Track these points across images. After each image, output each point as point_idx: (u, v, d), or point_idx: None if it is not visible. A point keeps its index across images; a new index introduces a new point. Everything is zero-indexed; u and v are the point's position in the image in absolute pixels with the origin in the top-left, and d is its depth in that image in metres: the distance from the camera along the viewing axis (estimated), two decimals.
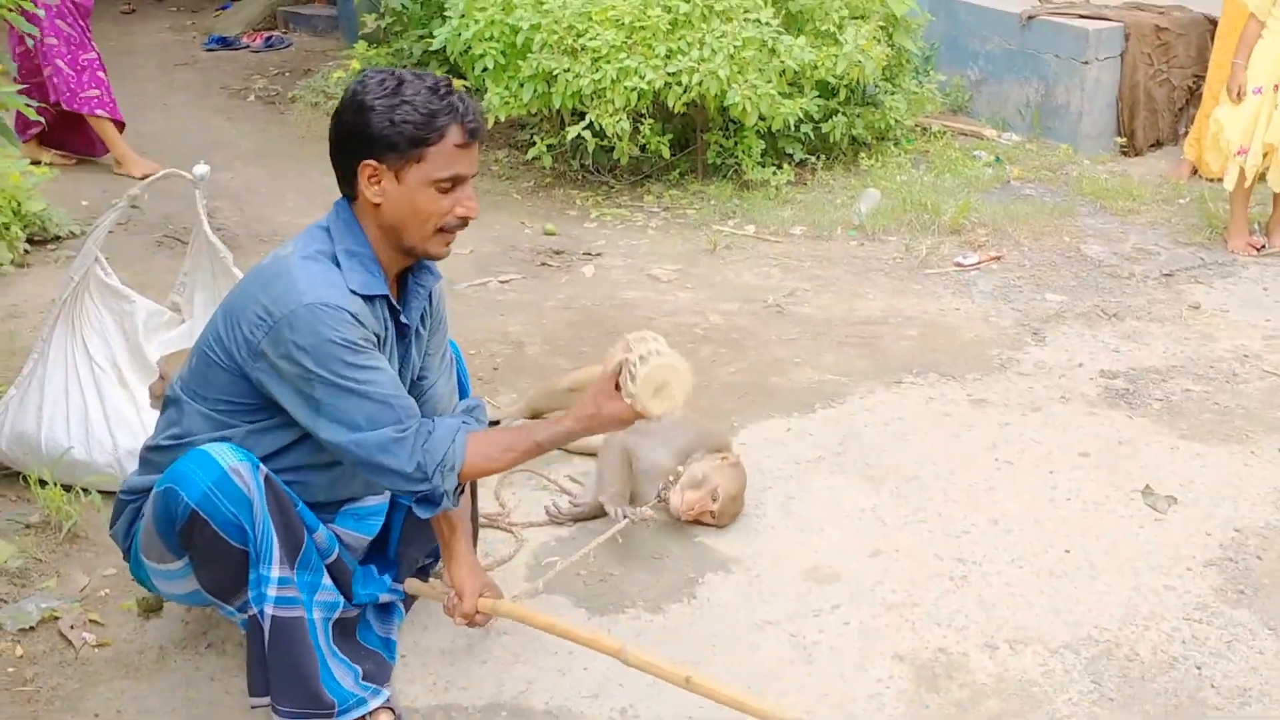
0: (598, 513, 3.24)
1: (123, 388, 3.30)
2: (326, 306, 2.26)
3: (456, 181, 2.34)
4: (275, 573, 2.35)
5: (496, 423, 3.46)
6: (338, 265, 2.34)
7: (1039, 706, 2.63)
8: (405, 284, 2.50)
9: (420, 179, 2.33)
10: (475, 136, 2.34)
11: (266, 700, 2.40)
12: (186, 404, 2.43)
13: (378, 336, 2.38)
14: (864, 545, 3.19)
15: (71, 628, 2.78)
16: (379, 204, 2.35)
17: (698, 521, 3.21)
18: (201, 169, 3.36)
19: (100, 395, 3.25)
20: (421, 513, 2.43)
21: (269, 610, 2.36)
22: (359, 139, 2.31)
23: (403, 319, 2.47)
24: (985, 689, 2.68)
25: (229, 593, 2.41)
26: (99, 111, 6.23)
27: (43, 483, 3.15)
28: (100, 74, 6.25)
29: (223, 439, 2.37)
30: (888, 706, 2.62)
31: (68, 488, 3.19)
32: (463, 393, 2.79)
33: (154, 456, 2.48)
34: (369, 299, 2.36)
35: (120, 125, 6.40)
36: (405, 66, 7.53)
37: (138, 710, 2.56)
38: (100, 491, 3.21)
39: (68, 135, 6.42)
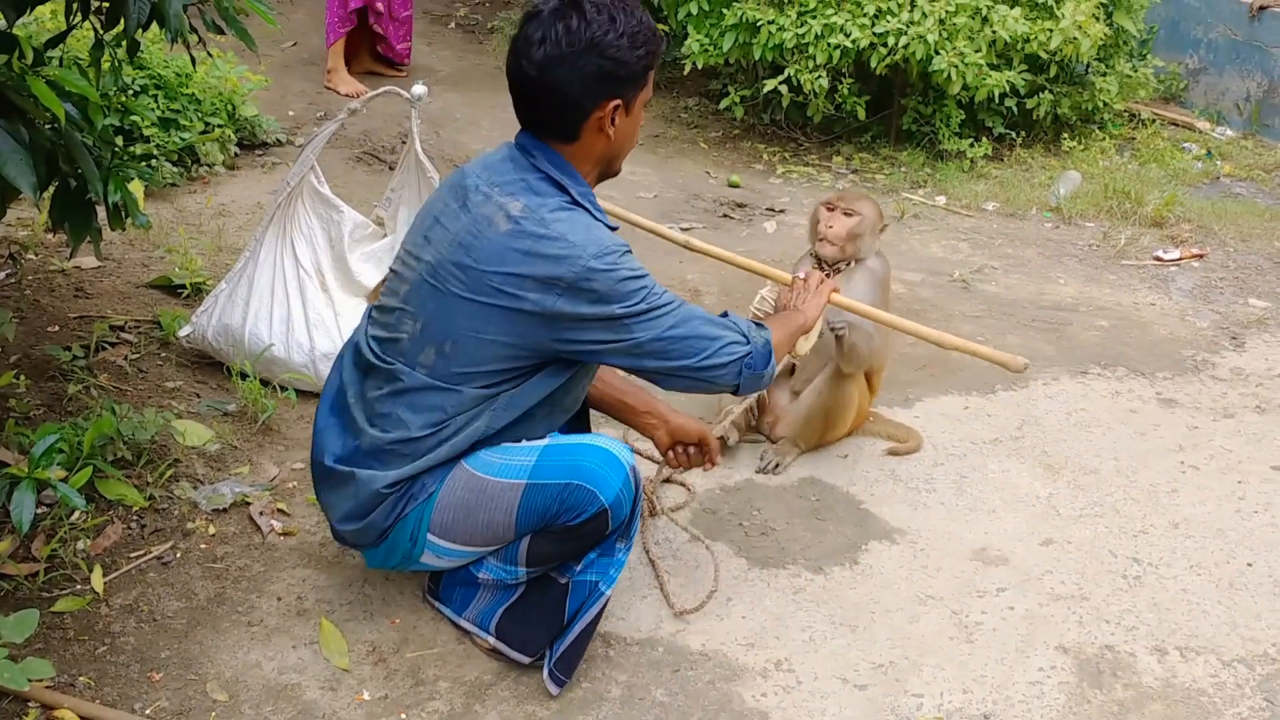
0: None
1: (324, 292, 3.43)
2: (610, 252, 2.26)
3: None
4: (622, 556, 2.48)
5: None
6: (578, 208, 2.32)
7: (1206, 717, 2.55)
8: None
9: (641, 104, 2.37)
10: None
11: (530, 658, 2.51)
12: (449, 392, 2.33)
13: None
14: (1036, 533, 3.12)
15: (261, 514, 2.92)
16: (610, 139, 2.34)
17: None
18: (420, 89, 3.45)
19: (303, 298, 3.38)
20: (748, 389, 2.49)
21: (607, 593, 2.46)
22: (606, 80, 2.27)
23: None
24: (1151, 692, 2.60)
25: (549, 561, 2.47)
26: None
27: (243, 375, 3.30)
28: None
29: (480, 412, 2.36)
30: (1047, 695, 2.57)
31: (264, 382, 3.34)
32: None
33: (405, 449, 2.37)
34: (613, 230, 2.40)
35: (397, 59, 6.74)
36: None
37: (317, 599, 2.68)
38: (296, 390, 3.36)
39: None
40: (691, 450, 2.73)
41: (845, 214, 3.31)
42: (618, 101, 2.30)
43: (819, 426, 3.36)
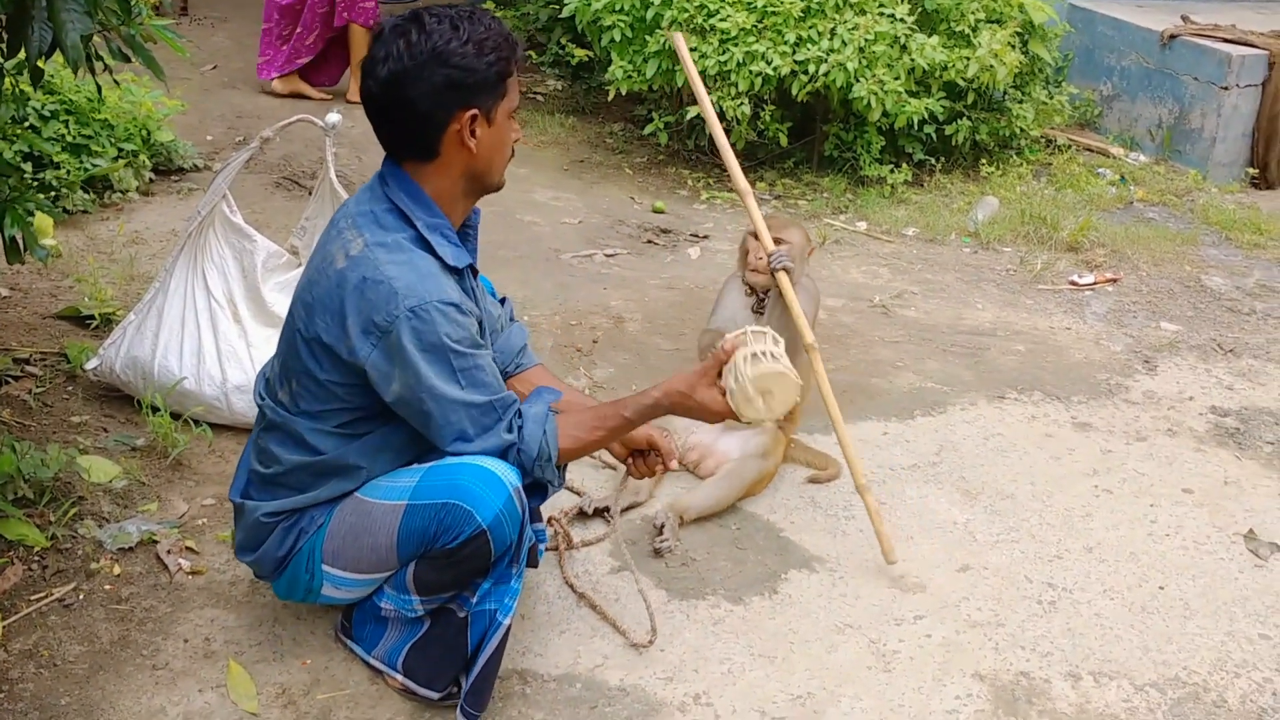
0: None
1: (236, 323, 3.37)
2: (430, 307, 2.20)
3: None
4: (516, 583, 2.42)
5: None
6: (423, 246, 2.28)
7: None
8: (462, 236, 2.44)
9: (505, 113, 2.32)
10: None
11: (439, 694, 2.46)
12: (308, 429, 2.35)
13: (478, 320, 2.37)
14: (953, 559, 3.14)
15: (168, 552, 2.85)
16: (474, 153, 2.29)
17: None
18: (334, 117, 3.41)
19: (214, 329, 3.32)
20: (533, 501, 2.43)
21: (506, 621, 2.40)
22: (456, 89, 2.22)
23: (479, 278, 2.48)
24: (1065, 718, 2.63)
25: (439, 590, 2.41)
26: (372, 22, 6.55)
27: (154, 409, 3.23)
28: None
29: (362, 446, 2.36)
30: None
31: (176, 415, 3.26)
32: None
33: (283, 480, 2.40)
34: (459, 273, 2.34)
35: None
36: (530, 31, 7.60)
37: (225, 640, 2.62)
38: (209, 424, 3.29)
39: (321, 69, 6.80)
40: (651, 458, 2.62)
41: (775, 243, 3.32)
42: (473, 111, 2.26)
43: (724, 506, 3.27)
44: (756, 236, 3.35)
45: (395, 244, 2.25)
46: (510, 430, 2.33)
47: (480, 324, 2.40)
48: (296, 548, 2.41)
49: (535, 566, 2.65)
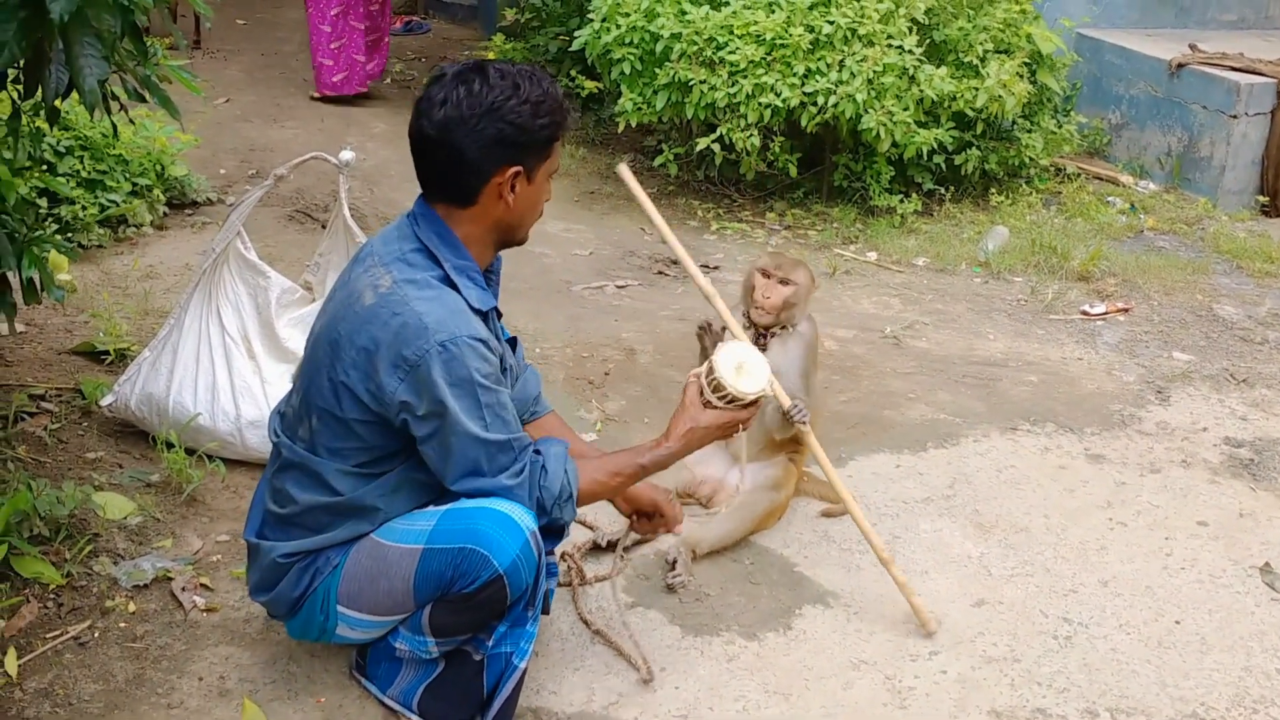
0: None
1: (250, 359, 3.38)
2: (460, 341, 2.22)
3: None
4: (532, 627, 2.44)
5: None
6: (449, 285, 2.30)
7: None
8: (486, 281, 2.46)
9: (545, 174, 2.36)
10: None
11: None
12: (326, 467, 2.35)
13: (502, 360, 2.39)
14: (968, 593, 3.13)
15: (183, 590, 2.85)
16: (510, 207, 2.32)
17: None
18: (347, 154, 3.43)
19: (229, 365, 3.33)
20: (547, 544, 2.43)
21: (522, 665, 2.43)
22: (506, 146, 2.26)
23: (501, 322, 2.51)
24: None
25: (455, 633, 2.42)
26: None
27: (169, 445, 3.24)
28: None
29: (379, 486, 2.37)
30: None
31: (190, 451, 3.27)
32: None
33: (299, 521, 2.40)
34: (484, 315, 2.36)
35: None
36: (541, 63, 7.65)
37: (240, 678, 2.61)
38: (223, 459, 3.30)
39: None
40: (654, 518, 2.68)
41: (781, 283, 3.32)
42: (518, 168, 2.29)
43: (736, 540, 3.27)
44: (764, 273, 3.35)
45: (424, 282, 2.28)
46: (522, 472, 2.35)
47: (503, 365, 2.42)
48: (312, 588, 2.42)
49: (548, 613, 2.65)
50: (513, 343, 2.73)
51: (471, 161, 2.27)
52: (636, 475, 2.49)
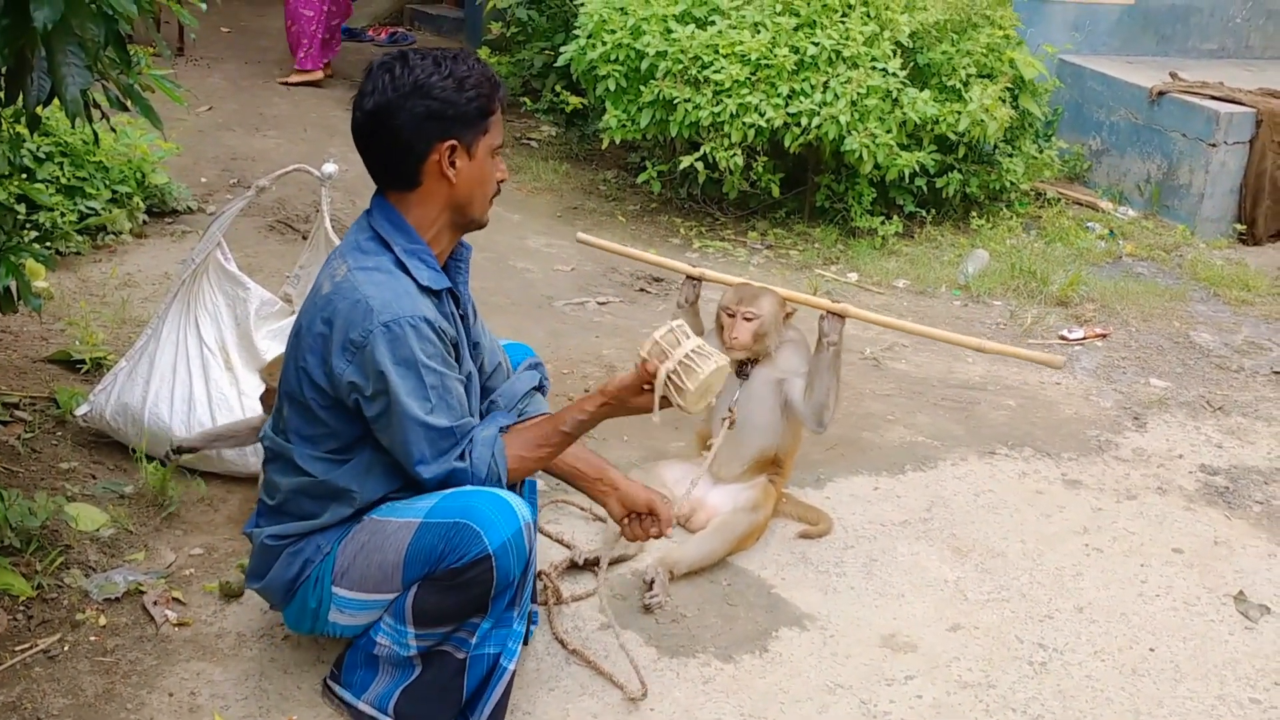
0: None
1: (228, 371, 3.36)
2: (403, 322, 2.29)
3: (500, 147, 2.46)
4: (519, 626, 2.45)
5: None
6: (400, 269, 2.36)
7: None
8: (448, 268, 2.51)
9: (486, 149, 2.42)
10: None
11: None
12: (301, 454, 2.42)
13: (454, 344, 2.43)
14: (944, 618, 3.13)
15: (155, 604, 2.82)
16: (453, 184, 2.39)
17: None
18: (330, 167, 3.42)
19: (206, 376, 3.31)
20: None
21: (511, 666, 2.44)
22: (435, 120, 2.33)
23: (462, 308, 2.54)
24: None
25: (436, 622, 2.41)
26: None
27: (149, 457, 3.20)
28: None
29: (350, 470, 2.41)
30: None
31: (163, 463, 3.25)
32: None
33: (285, 508, 2.47)
34: (437, 295, 2.41)
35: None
36: (526, 78, 7.65)
37: (211, 694, 2.59)
38: (199, 471, 3.28)
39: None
40: (646, 520, 2.63)
41: (745, 319, 3.32)
42: (452, 142, 2.36)
43: (714, 561, 3.26)
44: (729, 312, 3.36)
45: (375, 266, 2.36)
46: (462, 458, 2.39)
47: (457, 347, 2.47)
48: (305, 575, 2.45)
49: (526, 644, 2.64)
50: (535, 367, 2.80)
51: (406, 141, 2.34)
52: (563, 443, 2.51)
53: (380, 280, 2.33)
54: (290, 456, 2.43)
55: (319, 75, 8.10)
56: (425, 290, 2.37)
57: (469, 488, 2.38)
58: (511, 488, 2.47)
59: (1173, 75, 7.10)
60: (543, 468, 2.60)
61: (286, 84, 7.99)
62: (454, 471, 2.38)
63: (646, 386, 2.44)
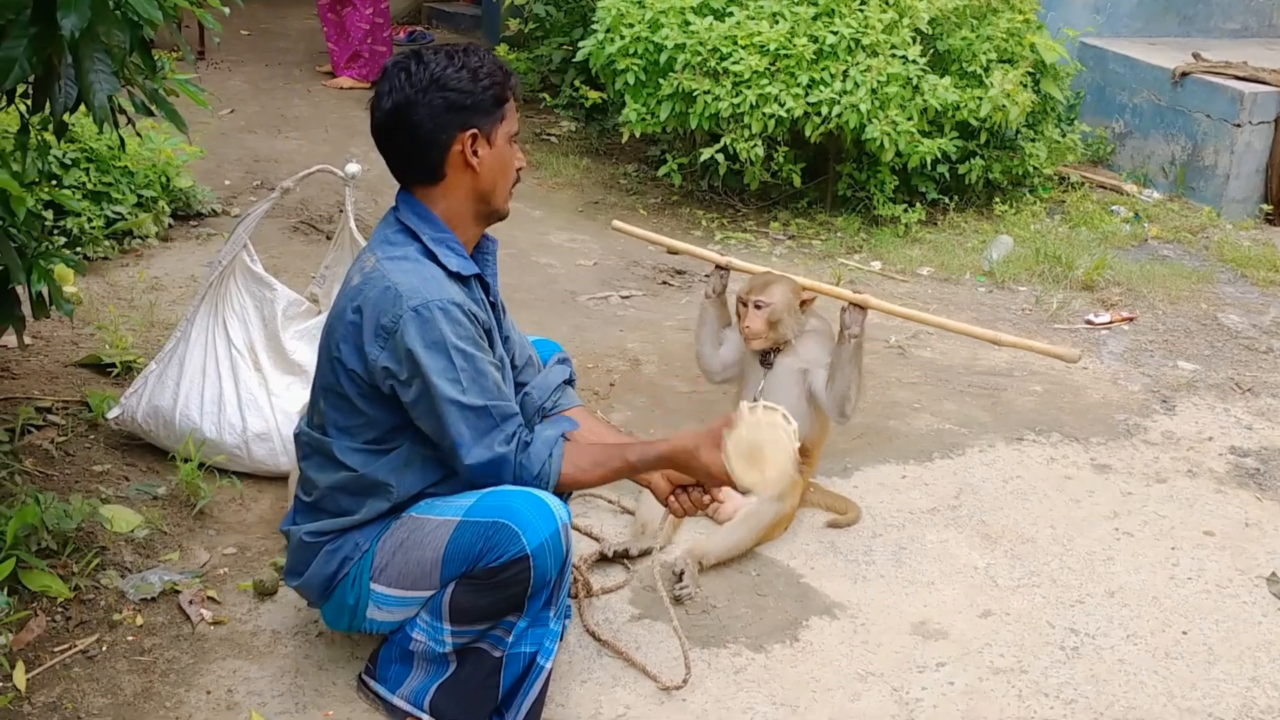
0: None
1: (256, 371, 3.39)
2: (432, 306, 2.32)
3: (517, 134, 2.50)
4: (555, 625, 2.47)
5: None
6: (428, 257, 2.40)
7: None
8: (475, 260, 2.54)
9: (505, 136, 2.46)
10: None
11: None
12: (339, 447, 2.45)
13: (486, 329, 2.45)
14: (975, 604, 3.13)
15: (190, 603, 2.85)
16: (477, 173, 2.43)
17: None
18: (354, 167, 3.44)
19: (235, 377, 3.34)
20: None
21: (548, 665, 2.47)
22: (454, 111, 2.37)
23: (492, 296, 2.57)
24: None
25: (473, 620, 2.44)
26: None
27: (186, 459, 3.23)
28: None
29: (389, 462, 2.44)
30: None
31: (200, 464, 3.28)
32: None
33: (322, 504, 2.50)
34: (465, 281, 2.44)
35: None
36: (545, 74, 7.66)
37: (247, 691, 2.62)
38: (231, 472, 3.31)
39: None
40: (694, 492, 2.56)
41: (756, 306, 3.34)
42: (473, 131, 2.40)
43: (742, 551, 3.26)
44: (741, 302, 3.39)
45: (403, 255, 2.40)
46: (508, 443, 2.39)
47: (490, 334, 2.49)
48: (343, 572, 2.48)
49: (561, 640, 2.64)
50: (563, 361, 2.84)
51: (427, 135, 2.39)
52: (621, 472, 2.51)
53: (409, 268, 2.37)
54: (329, 450, 2.46)
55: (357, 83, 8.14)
56: (454, 276, 2.41)
57: (508, 487, 2.39)
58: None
59: (1195, 56, 7.04)
60: (591, 488, 2.61)
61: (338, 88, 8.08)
62: (500, 460, 2.38)
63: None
